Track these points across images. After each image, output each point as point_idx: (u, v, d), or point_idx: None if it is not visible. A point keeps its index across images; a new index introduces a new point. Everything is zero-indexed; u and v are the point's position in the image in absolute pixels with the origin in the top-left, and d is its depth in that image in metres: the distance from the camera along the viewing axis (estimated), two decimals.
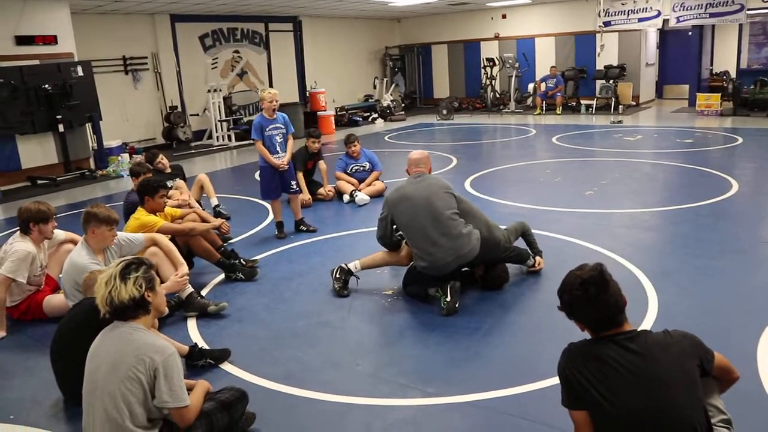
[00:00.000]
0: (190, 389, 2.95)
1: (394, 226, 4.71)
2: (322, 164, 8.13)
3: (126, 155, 11.76)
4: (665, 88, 19.95)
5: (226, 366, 3.80)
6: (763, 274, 4.94)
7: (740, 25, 16.55)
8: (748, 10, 15.59)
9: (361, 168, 8.31)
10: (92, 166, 11.45)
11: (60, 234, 5.00)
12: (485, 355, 3.81)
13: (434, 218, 4.42)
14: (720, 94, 15.58)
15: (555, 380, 3.38)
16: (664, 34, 18.81)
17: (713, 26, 16.99)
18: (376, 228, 4.87)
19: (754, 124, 13.02)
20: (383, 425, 3.13)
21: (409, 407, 3.28)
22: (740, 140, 11.17)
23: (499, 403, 3.26)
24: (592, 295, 2.26)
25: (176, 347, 3.58)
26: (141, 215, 5.01)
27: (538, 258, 5.04)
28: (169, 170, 7.30)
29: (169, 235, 4.98)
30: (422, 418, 3.19)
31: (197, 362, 3.76)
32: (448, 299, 4.35)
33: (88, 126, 11.41)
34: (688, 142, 11.36)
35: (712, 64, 18.06)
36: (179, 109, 14.00)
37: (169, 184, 6.98)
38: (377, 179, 8.24)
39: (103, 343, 2.74)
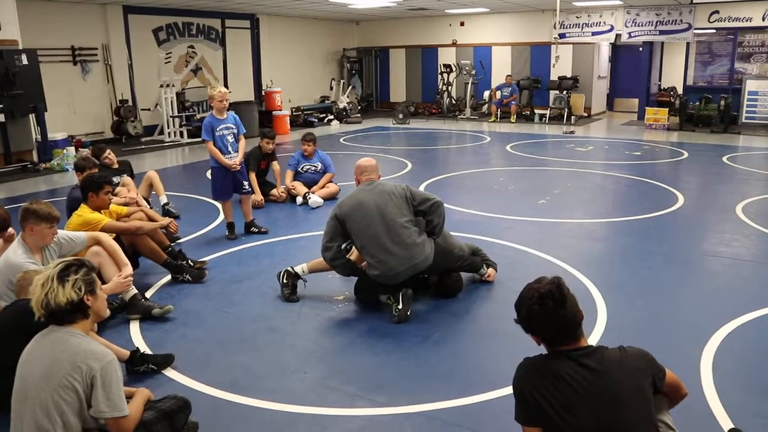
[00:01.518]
0: (129, 397, 2.82)
1: (342, 244, 4.59)
2: (275, 165, 8.00)
3: (72, 148, 11.35)
4: (615, 101, 20.44)
5: (169, 372, 3.67)
6: (706, 287, 5.07)
7: (687, 44, 17.07)
8: (695, 29, 16.13)
9: (313, 168, 8.19)
10: (35, 158, 11.02)
11: None
12: (435, 364, 3.78)
13: (388, 226, 4.36)
14: (667, 109, 16.04)
15: (506, 391, 3.41)
16: (616, 48, 19.28)
17: (662, 43, 17.49)
18: (323, 234, 4.61)
19: (698, 139, 13.43)
20: None
21: (358, 417, 3.22)
22: (686, 155, 11.50)
23: (450, 414, 3.23)
24: (549, 309, 2.24)
25: (117, 352, 3.46)
26: (84, 212, 4.81)
27: (490, 269, 5.04)
28: (116, 166, 7.07)
29: (114, 234, 4.81)
30: (370, 429, 3.13)
31: (139, 368, 3.62)
32: (400, 307, 4.31)
33: (32, 117, 10.97)
34: (636, 155, 11.63)
35: (660, 80, 18.61)
36: (130, 103, 13.62)
37: (116, 180, 6.77)
38: (330, 181, 8.16)
39: (36, 348, 2.59)
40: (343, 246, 4.67)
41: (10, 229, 4.45)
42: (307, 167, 8.18)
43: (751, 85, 15.94)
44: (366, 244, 4.40)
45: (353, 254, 4.83)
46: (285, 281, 4.76)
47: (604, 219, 7.12)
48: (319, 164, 8.25)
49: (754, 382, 3.53)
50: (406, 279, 4.39)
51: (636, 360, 2.28)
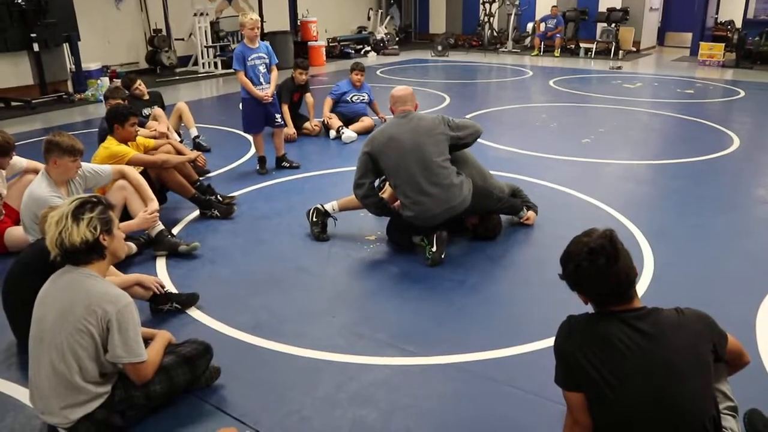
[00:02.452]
0: (150, 339, 2.73)
1: (375, 181, 4.35)
2: (309, 97, 7.75)
3: (106, 79, 11.22)
4: (667, 35, 19.35)
5: (194, 312, 3.56)
6: (763, 239, 4.74)
7: None
8: None
9: (362, 98, 8.02)
10: (70, 89, 10.90)
11: (21, 162, 4.67)
12: (470, 312, 3.60)
13: (424, 165, 4.09)
14: (723, 45, 15.12)
15: (543, 344, 3.23)
16: None
17: None
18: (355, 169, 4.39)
19: (756, 78, 12.66)
20: (357, 386, 2.92)
21: (386, 367, 3.07)
22: (742, 93, 10.83)
23: (483, 366, 3.06)
24: (601, 265, 2.00)
25: (137, 293, 3.35)
26: (111, 144, 4.68)
27: (530, 212, 4.78)
28: (146, 97, 6.90)
29: (140, 168, 4.68)
30: (399, 380, 2.98)
31: (163, 306, 3.52)
32: (434, 249, 4.11)
33: (66, 46, 10.81)
34: (688, 93, 11.01)
35: (717, 13, 17.48)
36: (164, 33, 13.35)
37: (146, 111, 6.63)
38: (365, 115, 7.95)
39: (51, 289, 2.48)
40: (377, 183, 4.45)
41: (8, 159, 4.35)
42: (357, 96, 7.98)
43: None
44: (400, 183, 4.16)
45: (386, 192, 4.62)
46: (315, 219, 4.59)
47: (652, 161, 6.73)
48: (366, 95, 8.06)
49: None
50: (442, 221, 4.16)
51: (695, 323, 2.05)
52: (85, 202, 2.50)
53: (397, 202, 4.38)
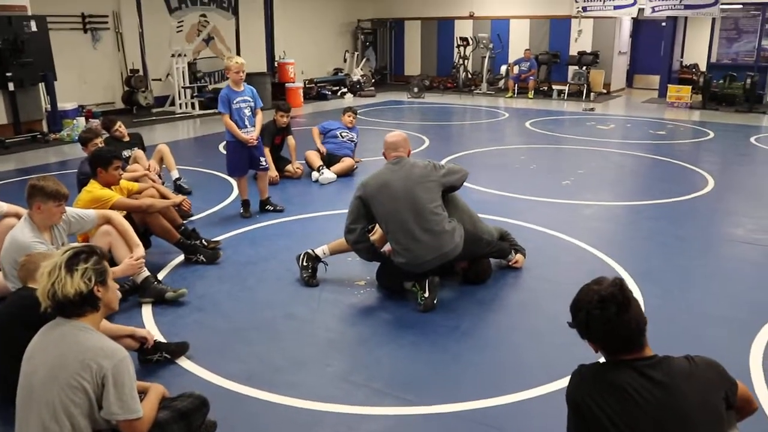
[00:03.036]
0: (143, 392, 2.62)
1: (366, 227, 4.33)
2: (291, 140, 7.75)
3: (82, 119, 11.11)
4: (635, 77, 19.94)
5: (184, 362, 3.46)
6: (747, 278, 4.80)
7: (713, 19, 16.55)
8: (722, 4, 15.59)
9: (350, 138, 8.13)
10: (45, 128, 10.77)
11: (2, 207, 4.55)
12: (465, 358, 3.55)
13: (416, 211, 4.08)
14: (690, 87, 15.59)
15: (541, 391, 3.20)
16: (637, 23, 18.74)
17: (686, 18, 16.97)
18: (346, 213, 4.37)
19: (722, 119, 13.03)
20: None
21: (385, 417, 3.00)
22: (711, 134, 11.13)
23: (484, 415, 3.00)
24: (611, 314, 1.99)
25: (127, 344, 3.24)
26: (94, 188, 4.58)
27: (518, 255, 4.79)
28: (127, 138, 6.82)
29: (124, 212, 4.59)
30: (400, 430, 2.91)
31: (151, 357, 3.41)
32: (426, 295, 4.08)
33: (42, 86, 10.70)
34: (660, 134, 11.28)
35: (682, 56, 18.08)
36: (141, 73, 13.32)
37: (127, 153, 6.54)
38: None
39: (42, 343, 2.37)
40: (368, 228, 4.42)
41: None
42: (346, 134, 8.11)
43: None
44: (392, 230, 4.14)
45: (375, 233, 4.58)
46: (305, 264, 4.54)
47: (633, 202, 6.83)
48: (356, 136, 8.21)
49: None
50: (433, 268, 4.14)
51: (706, 372, 2.04)
52: (79, 252, 2.42)
53: (388, 247, 4.36)
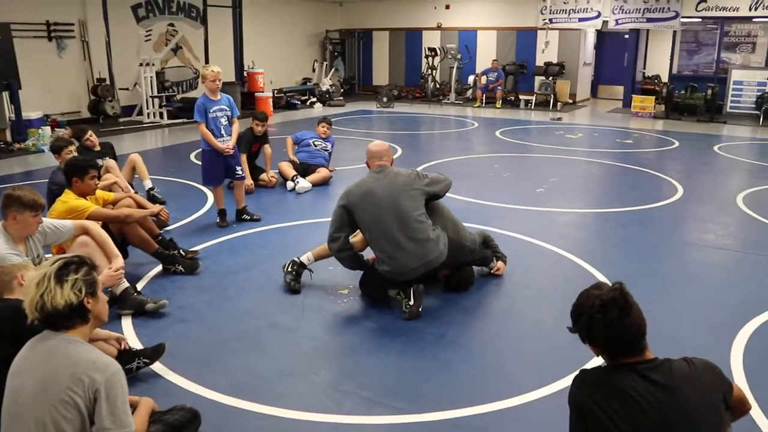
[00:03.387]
0: (132, 406, 2.55)
1: (348, 235, 4.29)
2: (267, 149, 7.70)
3: (47, 128, 10.87)
4: (600, 87, 20.36)
5: (168, 375, 3.39)
6: (721, 282, 4.92)
7: (674, 32, 17.01)
8: (682, 17, 16.04)
9: (324, 148, 8.10)
10: (9, 138, 10.50)
11: None
12: (453, 366, 3.55)
13: (401, 220, 4.07)
14: (654, 97, 15.97)
15: (531, 396, 3.22)
16: (601, 35, 19.14)
17: (648, 31, 17.40)
18: (327, 221, 4.37)
19: (685, 128, 13.36)
20: None
21: (377, 426, 2.98)
22: (676, 143, 11.40)
23: (476, 422, 3.00)
24: (613, 318, 2.01)
25: (104, 348, 3.16)
26: (69, 198, 4.47)
27: (500, 262, 4.82)
28: (98, 148, 6.68)
29: (101, 222, 4.48)
30: None
31: (131, 365, 3.32)
32: (411, 303, 4.07)
33: (5, 95, 10.45)
34: (627, 143, 11.51)
35: (645, 68, 18.52)
36: (107, 82, 13.09)
37: (99, 163, 6.40)
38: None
39: (29, 358, 2.29)
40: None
41: None
42: (320, 144, 8.08)
43: (736, 75, 15.91)
44: (376, 238, 4.12)
45: (356, 236, 4.52)
46: (289, 269, 4.50)
47: (606, 209, 6.95)
48: (330, 146, 8.17)
49: None
50: (417, 276, 4.14)
51: (706, 374, 2.07)
52: (69, 262, 2.36)
53: (372, 255, 4.34)
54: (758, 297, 4.50)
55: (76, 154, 5.68)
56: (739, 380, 3.37)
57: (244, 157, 7.23)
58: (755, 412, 3.06)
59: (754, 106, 15.20)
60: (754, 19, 16.29)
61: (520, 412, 3.10)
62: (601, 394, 2.02)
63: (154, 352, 3.45)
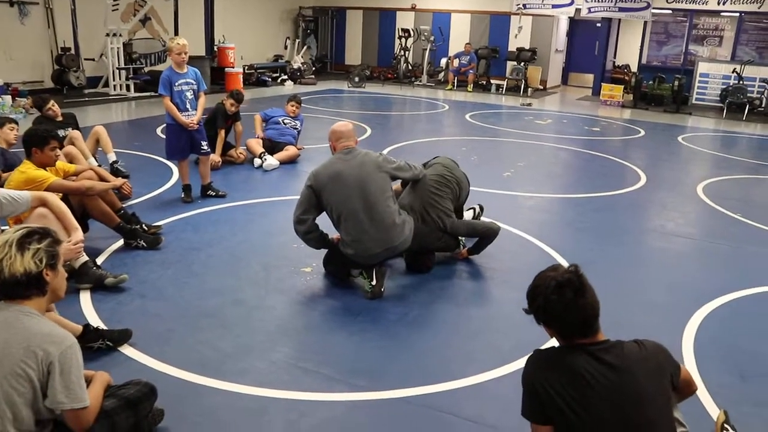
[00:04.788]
0: (87, 381, 2.52)
1: (315, 217, 4.24)
2: (238, 126, 7.66)
3: (8, 97, 10.57)
4: (570, 75, 20.51)
5: (127, 350, 3.35)
6: (676, 267, 5.03)
7: (645, 22, 17.20)
8: (653, 8, 16.22)
9: (293, 126, 8.05)
10: None
11: None
12: (415, 345, 3.59)
13: (367, 202, 4.05)
14: (623, 86, 16.16)
15: (491, 375, 3.27)
16: (573, 23, 19.25)
17: (619, 20, 17.55)
18: (296, 203, 4.24)
19: (652, 118, 13.57)
20: (309, 425, 2.83)
21: (337, 403, 3.00)
22: (642, 132, 11.57)
23: (436, 400, 3.04)
24: (568, 299, 2.05)
25: (68, 327, 3.12)
26: (28, 169, 4.36)
27: (464, 249, 4.85)
28: (60, 118, 6.54)
29: (61, 194, 4.39)
30: (352, 417, 2.92)
31: (93, 345, 3.29)
32: (374, 283, 4.08)
33: None
34: (595, 130, 11.66)
35: (615, 57, 18.72)
36: (72, 52, 12.75)
37: (61, 134, 6.25)
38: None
39: None
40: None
41: None
42: (289, 122, 8.02)
43: (702, 67, 16.19)
44: (343, 220, 4.10)
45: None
46: None
47: (572, 195, 7.04)
48: (299, 124, 8.14)
49: (735, 367, 3.47)
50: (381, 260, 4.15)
51: (656, 356, 2.13)
52: (33, 232, 2.32)
53: (337, 235, 4.34)
54: (712, 284, 4.62)
55: (16, 132, 5.61)
56: (689, 363, 3.47)
57: (221, 133, 7.23)
58: (703, 394, 3.16)
59: (718, 98, 15.49)
60: (722, 13, 16.57)
61: (477, 390, 3.15)
62: (554, 374, 2.06)
63: (120, 337, 3.40)
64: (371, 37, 19.95)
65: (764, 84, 15.07)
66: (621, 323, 3.83)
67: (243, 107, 7.82)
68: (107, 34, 12.67)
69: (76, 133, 6.24)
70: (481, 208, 5.59)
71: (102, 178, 5.06)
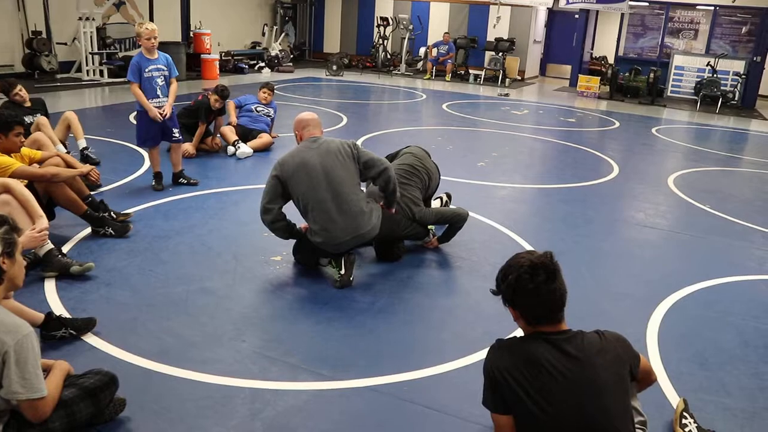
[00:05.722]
0: (45, 371, 2.50)
1: (282, 206, 4.20)
2: (220, 120, 7.63)
3: None
4: (548, 66, 20.61)
5: (91, 339, 3.32)
6: (647, 258, 5.10)
7: (622, 15, 17.30)
8: (631, 1, 16.31)
9: (266, 113, 8.03)
10: None
11: None
12: (382, 334, 3.60)
13: (334, 191, 4.04)
14: (599, 78, 16.27)
15: (457, 364, 3.29)
16: (552, 14, 19.33)
17: (597, 12, 17.64)
18: (262, 193, 4.21)
19: (627, 110, 13.70)
20: (273, 413, 2.83)
21: (302, 392, 3.00)
22: (617, 124, 11.68)
23: (400, 388, 3.06)
24: (540, 280, 2.07)
25: (30, 316, 3.09)
26: None
27: (434, 238, 4.87)
28: (28, 104, 6.43)
29: (26, 181, 4.32)
30: (316, 405, 2.92)
31: (55, 333, 3.25)
32: (343, 272, 4.08)
33: None
34: (570, 121, 11.73)
35: (593, 49, 18.82)
36: (44, 36, 12.51)
37: (29, 120, 6.16)
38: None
39: None
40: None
41: None
42: (262, 109, 7.99)
43: (678, 60, 16.38)
44: (310, 209, 4.09)
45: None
46: None
47: (544, 185, 7.09)
48: (273, 111, 8.11)
49: (696, 356, 3.53)
50: (349, 249, 4.15)
51: (615, 347, 2.16)
52: None
53: (305, 224, 4.32)
54: (679, 274, 4.69)
55: None
56: (653, 352, 3.52)
57: (202, 128, 7.18)
58: (664, 382, 3.21)
59: (693, 91, 15.68)
60: (698, 6, 16.73)
61: (442, 379, 3.17)
62: (515, 363, 2.09)
63: (84, 325, 3.36)
64: (350, 25, 19.85)
65: (737, 77, 15.28)
66: (589, 312, 3.89)
67: None
68: (80, 18, 12.45)
69: (43, 120, 6.13)
70: (449, 197, 5.60)
71: (69, 165, 4.98)
